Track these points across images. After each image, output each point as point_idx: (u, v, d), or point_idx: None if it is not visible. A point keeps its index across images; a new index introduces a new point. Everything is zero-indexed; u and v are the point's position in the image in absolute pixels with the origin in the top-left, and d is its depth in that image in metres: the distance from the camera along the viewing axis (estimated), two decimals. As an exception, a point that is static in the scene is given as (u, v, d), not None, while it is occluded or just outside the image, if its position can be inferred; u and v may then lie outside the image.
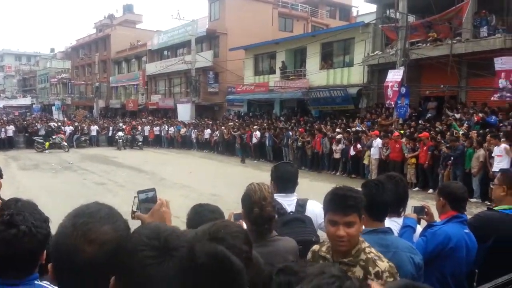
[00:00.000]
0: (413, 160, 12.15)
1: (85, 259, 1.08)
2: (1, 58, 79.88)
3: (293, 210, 2.70)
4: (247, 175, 14.96)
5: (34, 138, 23.40)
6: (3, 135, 23.57)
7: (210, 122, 25.03)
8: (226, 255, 1.15)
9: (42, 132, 24.94)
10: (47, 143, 22.35)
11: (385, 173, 2.88)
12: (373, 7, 21.87)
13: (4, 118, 31.42)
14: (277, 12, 31.55)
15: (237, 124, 21.81)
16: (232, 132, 20.30)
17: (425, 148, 11.81)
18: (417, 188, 11.94)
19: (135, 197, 1.68)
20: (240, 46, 25.96)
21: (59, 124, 27.22)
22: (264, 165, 17.73)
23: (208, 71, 29.32)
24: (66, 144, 22.53)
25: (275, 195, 2.65)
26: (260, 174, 14.85)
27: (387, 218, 2.36)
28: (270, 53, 25.20)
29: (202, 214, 2.20)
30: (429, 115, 15.55)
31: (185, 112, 28.85)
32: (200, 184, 12.68)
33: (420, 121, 14.71)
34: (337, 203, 1.88)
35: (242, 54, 26.52)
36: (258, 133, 19.02)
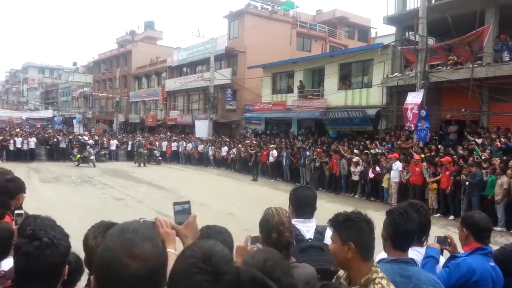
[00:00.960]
0: (435, 185, 11.95)
1: (129, 274, 1.11)
2: (25, 70, 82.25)
3: (312, 237, 2.65)
4: (263, 194, 14.96)
5: (70, 151, 24.10)
6: (25, 147, 24.10)
7: (228, 140, 25.17)
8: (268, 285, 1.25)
9: (63, 145, 25.44)
10: (77, 156, 22.66)
11: (407, 200, 2.87)
12: (392, 29, 21.92)
13: (27, 130, 32.16)
14: (295, 32, 31.86)
15: (254, 142, 21.88)
16: (249, 150, 20.36)
17: (447, 173, 11.60)
18: (438, 214, 11.71)
19: (140, 218, 1.69)
20: (258, 65, 26.23)
21: (87, 138, 26.97)
22: (281, 184, 17.70)
23: (226, 88, 29.66)
24: (93, 158, 22.51)
25: (293, 220, 2.67)
26: (276, 193, 14.83)
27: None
28: (288, 72, 25.37)
29: (210, 236, 2.16)
30: (450, 138, 15.37)
31: (202, 128, 29.11)
32: (217, 202, 12.70)
33: (440, 145, 14.54)
34: (329, 221, 2.03)
35: (260, 72, 26.77)
36: (275, 152, 19.03)
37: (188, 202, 1.78)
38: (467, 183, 10.80)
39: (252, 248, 2.24)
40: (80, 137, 27.67)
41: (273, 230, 2.11)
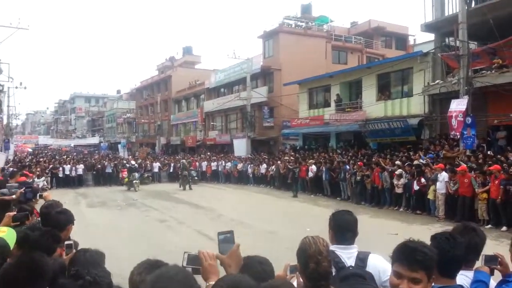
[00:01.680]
0: (485, 195, 11.26)
1: None
2: (73, 100, 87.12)
3: (353, 264, 2.52)
4: (303, 211, 14.73)
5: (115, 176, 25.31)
6: (73, 174, 25.25)
7: (266, 157, 25.17)
8: None
9: (109, 170, 26.43)
10: (126, 179, 23.46)
11: (462, 222, 2.71)
12: (431, 36, 21.31)
13: (75, 157, 33.68)
14: (330, 46, 31.71)
15: (292, 158, 21.73)
16: (289, 166, 20.20)
17: (496, 181, 10.93)
18: (489, 226, 10.99)
19: (185, 252, 1.81)
20: (294, 81, 26.27)
21: (134, 162, 27.42)
22: (321, 199, 17.40)
23: (263, 106, 29.86)
24: (137, 182, 22.86)
25: (333, 246, 2.58)
26: (317, 209, 14.58)
27: None
28: (324, 87, 25.19)
29: (250, 266, 2.14)
30: (499, 145, 14.54)
31: (241, 147, 29.35)
32: (257, 220, 12.61)
33: (489, 152, 13.76)
34: (405, 255, 1.79)
35: (296, 88, 26.77)
36: (314, 167, 18.78)
37: (231, 232, 1.86)
38: None
39: (292, 277, 2.21)
40: (125, 162, 28.65)
41: (311, 260, 2.03)
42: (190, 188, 22.18)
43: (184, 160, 25.47)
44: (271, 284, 1.52)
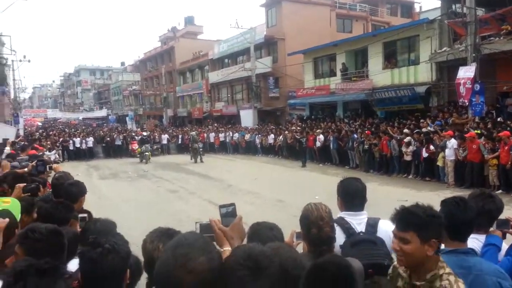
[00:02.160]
0: (495, 161, 11.33)
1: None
2: (78, 73, 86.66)
3: (363, 230, 2.51)
4: (312, 179, 14.97)
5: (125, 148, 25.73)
6: (84, 146, 25.60)
7: (273, 127, 25.30)
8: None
9: (118, 142, 26.75)
10: (138, 149, 23.66)
11: (479, 189, 2.75)
12: (437, 2, 20.87)
13: (84, 131, 34.01)
14: (335, 14, 31.08)
15: (299, 128, 21.87)
16: (296, 136, 20.34)
17: (506, 147, 10.97)
18: (500, 191, 11.04)
19: (196, 222, 1.82)
20: (298, 51, 25.88)
21: (145, 134, 27.81)
22: (330, 168, 17.60)
23: (268, 76, 29.67)
24: (148, 154, 22.85)
25: (343, 213, 2.62)
26: (325, 178, 14.79)
27: None
28: (329, 56, 24.89)
29: (260, 232, 2.18)
30: (508, 111, 14.56)
31: (248, 118, 29.43)
32: (265, 190, 12.86)
33: (499, 119, 13.79)
34: (398, 217, 1.86)
35: (301, 58, 26.47)
36: (321, 137, 18.91)
37: (233, 205, 1.82)
38: None
39: (298, 243, 2.28)
40: (134, 134, 28.88)
41: (313, 226, 2.08)
42: (202, 161, 21.80)
43: (194, 132, 25.08)
44: (270, 246, 1.59)
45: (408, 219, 1.81)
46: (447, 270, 1.80)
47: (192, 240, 1.26)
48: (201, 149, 24.72)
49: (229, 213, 1.79)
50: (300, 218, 2.17)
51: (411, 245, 1.78)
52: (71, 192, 3.36)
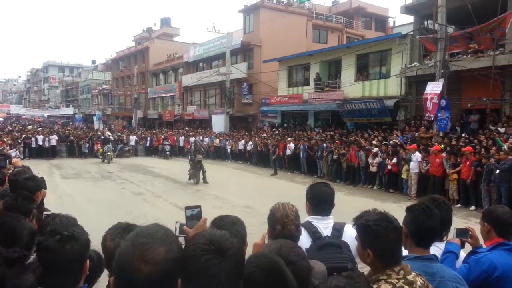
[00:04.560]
0: (455, 176, 11.72)
1: (142, 278, 1.16)
2: (46, 69, 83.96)
3: (329, 234, 2.57)
4: (281, 187, 14.93)
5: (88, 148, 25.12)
6: (46, 144, 24.63)
7: (246, 133, 25.20)
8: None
9: (85, 150, 25.92)
10: (101, 150, 23.25)
11: (428, 195, 2.77)
12: (410, 18, 21.50)
13: (48, 128, 32.80)
14: (311, 24, 31.55)
15: (269, 135, 21.83)
16: (270, 147, 20.12)
17: (468, 163, 11.36)
18: (459, 205, 11.51)
19: (176, 222, 1.81)
20: (274, 58, 26.10)
21: (110, 134, 27.53)
22: (298, 177, 17.65)
23: (243, 82, 29.67)
24: (110, 154, 22.71)
25: (310, 217, 2.65)
26: (293, 186, 14.78)
27: None
28: (304, 65, 25.18)
29: (222, 226, 2.11)
30: (471, 128, 15.04)
31: (219, 123, 29.25)
32: (234, 195, 12.75)
33: (463, 134, 14.23)
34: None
35: (276, 65, 26.66)
36: (292, 145, 18.97)
37: (199, 207, 1.83)
38: (497, 171, 10.40)
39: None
40: (100, 133, 28.19)
41: (278, 223, 2.11)
42: (206, 181, 15.17)
43: (198, 138, 20.01)
44: (278, 243, 1.69)
45: (354, 223, 1.91)
46: (392, 279, 1.74)
47: (153, 231, 1.25)
48: (167, 152, 24.73)
49: (194, 215, 1.79)
50: (268, 216, 2.20)
51: (358, 246, 1.91)
52: (26, 187, 3.24)
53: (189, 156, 15.86)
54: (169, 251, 1.21)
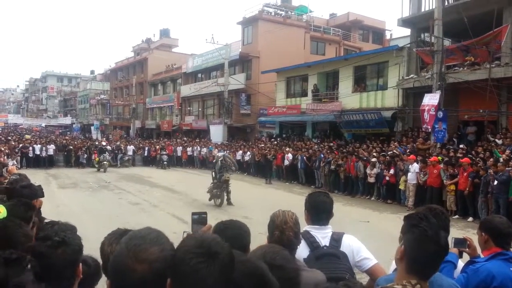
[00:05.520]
0: (453, 187, 11.74)
1: (137, 278, 1.19)
2: (44, 79, 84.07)
3: (327, 244, 2.55)
4: (278, 197, 14.89)
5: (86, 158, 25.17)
6: (44, 154, 24.56)
7: (244, 144, 25.20)
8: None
9: (83, 160, 25.89)
10: (97, 159, 23.31)
11: (426, 205, 2.75)
12: (407, 31, 21.73)
13: (47, 137, 32.72)
14: (309, 36, 31.84)
15: (268, 146, 21.88)
16: (267, 157, 20.17)
17: (465, 174, 11.40)
18: (457, 216, 11.50)
19: (184, 232, 1.78)
20: (272, 69, 26.28)
21: (105, 144, 27.77)
22: (296, 187, 17.64)
23: (241, 93, 29.79)
24: (106, 163, 22.95)
25: (308, 226, 2.64)
26: (291, 196, 14.77)
27: None
28: (302, 76, 25.35)
29: (226, 232, 2.02)
30: (468, 139, 15.13)
31: (217, 133, 29.28)
32: (231, 206, 12.72)
33: (461, 145, 14.30)
34: None
35: (274, 76, 26.81)
36: (290, 156, 18.99)
37: (205, 213, 1.86)
38: (495, 183, 10.43)
39: None
40: (97, 143, 28.19)
41: (276, 229, 2.11)
42: (230, 203, 12.95)
43: (225, 153, 15.37)
44: (262, 249, 1.66)
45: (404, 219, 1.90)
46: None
47: (145, 233, 1.28)
48: (165, 162, 24.84)
49: (199, 220, 1.82)
50: (268, 223, 2.20)
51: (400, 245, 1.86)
52: (22, 195, 3.20)
53: (213, 173, 13.48)
54: (162, 250, 1.24)
